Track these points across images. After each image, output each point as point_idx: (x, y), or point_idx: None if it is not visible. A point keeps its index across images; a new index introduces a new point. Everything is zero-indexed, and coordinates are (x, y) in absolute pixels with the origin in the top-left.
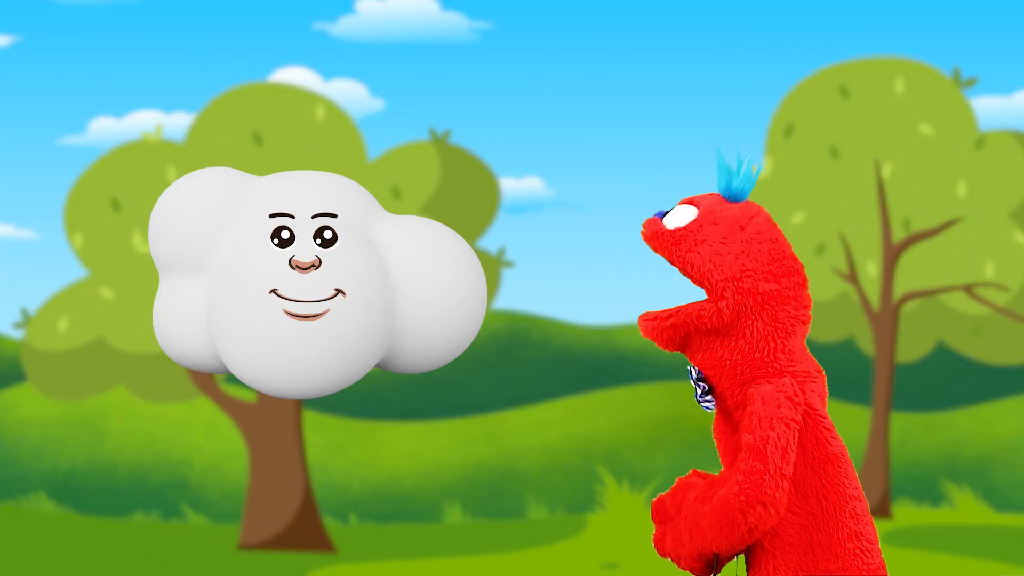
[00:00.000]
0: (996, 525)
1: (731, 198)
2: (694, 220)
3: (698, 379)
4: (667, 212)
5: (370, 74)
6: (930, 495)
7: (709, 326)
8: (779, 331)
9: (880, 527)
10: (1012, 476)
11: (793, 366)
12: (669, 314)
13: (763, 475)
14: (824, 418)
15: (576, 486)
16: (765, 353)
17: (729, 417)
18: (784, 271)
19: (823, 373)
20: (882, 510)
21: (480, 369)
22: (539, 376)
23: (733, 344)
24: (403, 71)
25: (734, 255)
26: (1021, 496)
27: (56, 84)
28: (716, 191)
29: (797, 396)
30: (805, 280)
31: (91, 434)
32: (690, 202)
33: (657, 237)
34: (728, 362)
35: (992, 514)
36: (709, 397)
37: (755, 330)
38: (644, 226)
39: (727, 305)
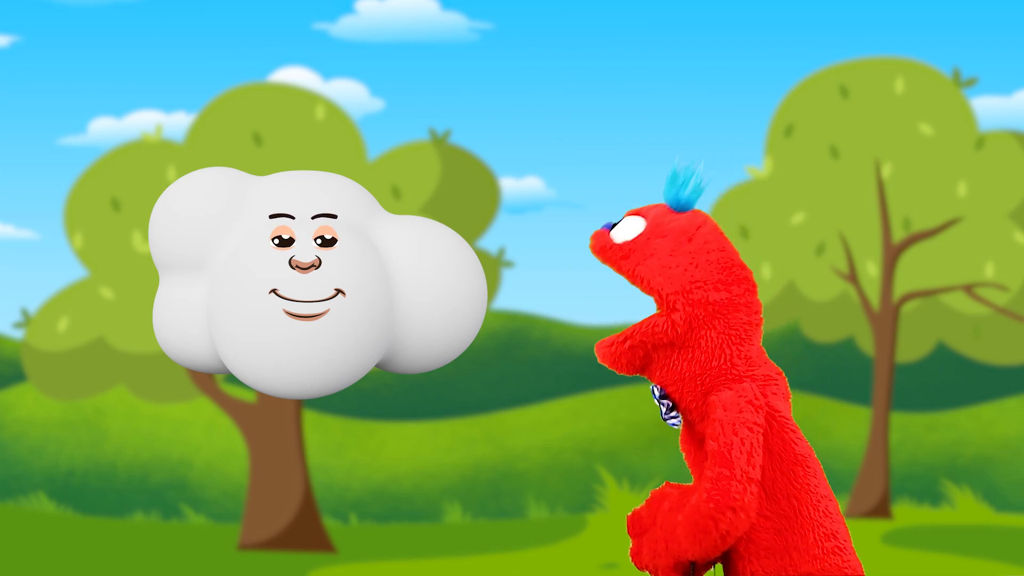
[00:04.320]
0: (996, 525)
1: (678, 209)
2: (642, 233)
3: (661, 397)
4: (615, 224)
5: (370, 74)
6: (930, 495)
7: (665, 340)
8: (734, 338)
9: (880, 527)
10: (1012, 476)
11: (752, 371)
12: (625, 336)
13: (730, 480)
14: (788, 420)
15: (576, 486)
16: (722, 361)
17: (694, 430)
18: (733, 279)
19: (783, 375)
20: (882, 510)
21: (480, 369)
22: (539, 376)
23: (690, 356)
24: (403, 71)
25: (683, 268)
26: (1021, 496)
27: (56, 84)
28: (664, 201)
29: (758, 400)
30: (754, 286)
31: (91, 434)
32: (638, 213)
33: (605, 251)
34: (688, 374)
35: (992, 514)
36: (675, 414)
37: (710, 339)
38: (592, 239)
39: (680, 317)
